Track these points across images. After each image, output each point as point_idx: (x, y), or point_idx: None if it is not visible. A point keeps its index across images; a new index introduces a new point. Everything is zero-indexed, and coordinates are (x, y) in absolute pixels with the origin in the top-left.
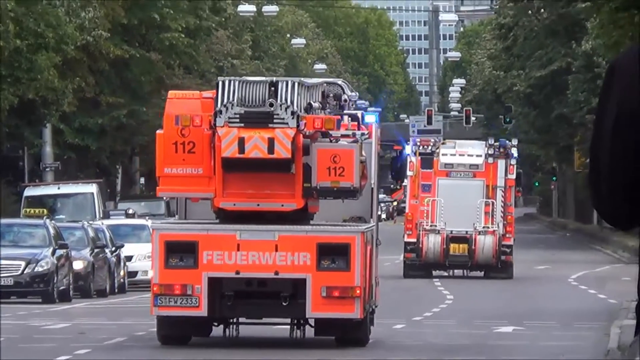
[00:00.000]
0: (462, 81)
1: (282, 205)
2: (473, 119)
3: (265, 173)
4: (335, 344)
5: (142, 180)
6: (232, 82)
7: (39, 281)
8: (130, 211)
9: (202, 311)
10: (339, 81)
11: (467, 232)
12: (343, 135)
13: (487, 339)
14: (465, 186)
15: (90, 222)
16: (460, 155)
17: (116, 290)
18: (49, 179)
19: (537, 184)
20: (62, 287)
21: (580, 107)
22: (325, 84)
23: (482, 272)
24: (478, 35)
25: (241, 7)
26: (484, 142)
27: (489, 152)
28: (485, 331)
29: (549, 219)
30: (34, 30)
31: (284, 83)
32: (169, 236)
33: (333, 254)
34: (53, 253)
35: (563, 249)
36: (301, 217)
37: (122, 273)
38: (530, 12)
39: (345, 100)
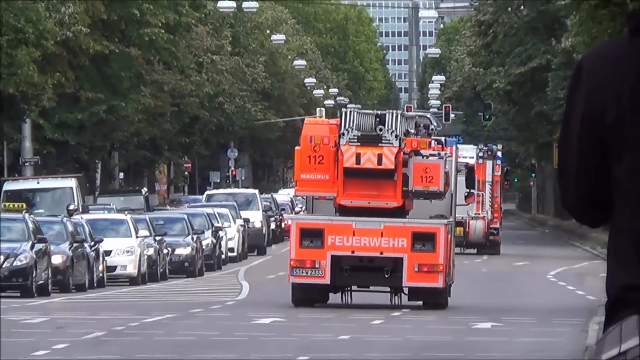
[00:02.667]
0: (442, 78)
1: (387, 204)
2: (452, 115)
3: (375, 179)
4: (423, 306)
5: (121, 175)
6: (352, 112)
7: (18, 275)
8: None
9: (326, 280)
10: (428, 114)
11: (462, 217)
12: (431, 155)
13: (465, 335)
14: (461, 181)
15: (70, 216)
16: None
17: (95, 285)
18: (28, 173)
19: (516, 180)
20: (40, 282)
21: (560, 104)
22: (417, 116)
23: (475, 250)
24: (458, 32)
25: (221, 3)
26: (476, 147)
27: (480, 154)
28: (464, 327)
29: (528, 215)
30: (13, 26)
31: (391, 114)
32: (303, 224)
33: (423, 240)
34: (32, 247)
35: (542, 245)
36: (400, 212)
37: (100, 267)
38: (510, 9)
39: (432, 129)
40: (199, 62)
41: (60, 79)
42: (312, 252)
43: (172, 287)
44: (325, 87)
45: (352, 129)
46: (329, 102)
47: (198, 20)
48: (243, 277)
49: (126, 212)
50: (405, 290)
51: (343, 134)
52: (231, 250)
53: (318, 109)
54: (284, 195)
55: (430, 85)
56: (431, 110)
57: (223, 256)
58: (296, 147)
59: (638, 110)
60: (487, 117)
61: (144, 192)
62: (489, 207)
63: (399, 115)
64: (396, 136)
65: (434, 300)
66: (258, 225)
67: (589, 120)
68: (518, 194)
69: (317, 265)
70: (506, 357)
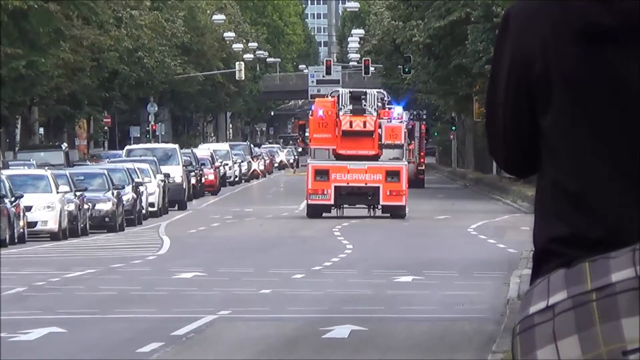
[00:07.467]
0: (361, 31)
1: (368, 152)
2: (372, 69)
3: (361, 137)
4: (390, 217)
5: (41, 130)
6: (345, 94)
7: None
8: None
9: (331, 201)
10: (382, 91)
11: None
12: (390, 119)
13: (387, 288)
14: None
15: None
16: None
17: (16, 241)
18: None
19: (436, 134)
20: None
21: (479, 57)
22: (376, 91)
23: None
24: None
25: None
26: (408, 111)
27: (411, 117)
28: (385, 281)
29: (448, 169)
30: None
31: (371, 94)
32: (316, 167)
33: (392, 175)
34: None
35: (462, 199)
36: (376, 157)
37: (21, 223)
38: None
39: (385, 100)
40: (118, 16)
41: None
42: (322, 184)
43: (92, 242)
44: (244, 41)
45: (347, 105)
46: (249, 56)
47: None
48: (164, 232)
49: (46, 168)
50: (379, 207)
51: (341, 108)
52: (152, 205)
53: (237, 63)
54: (204, 150)
55: (350, 39)
56: (351, 64)
57: (143, 211)
58: (309, 117)
59: (562, 63)
60: (406, 70)
61: (64, 148)
62: (417, 154)
63: (376, 94)
64: (375, 109)
65: (398, 212)
66: (178, 180)
67: (516, 71)
68: (438, 147)
69: (325, 192)
70: (427, 310)
